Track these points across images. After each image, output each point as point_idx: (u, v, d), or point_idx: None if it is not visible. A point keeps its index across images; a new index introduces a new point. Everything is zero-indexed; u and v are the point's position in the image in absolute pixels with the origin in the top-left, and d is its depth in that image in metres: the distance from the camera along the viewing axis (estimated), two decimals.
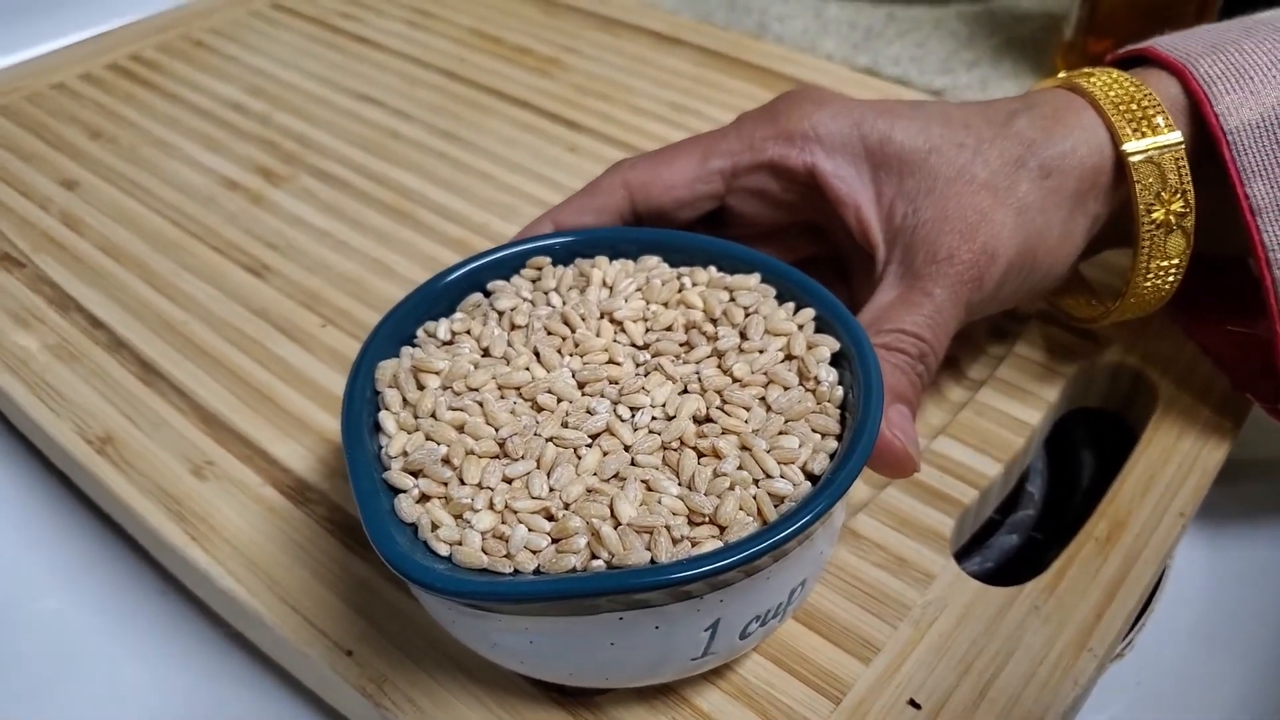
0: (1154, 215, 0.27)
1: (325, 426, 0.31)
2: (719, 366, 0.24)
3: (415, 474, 0.22)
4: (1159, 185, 0.27)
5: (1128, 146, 0.26)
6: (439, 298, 0.26)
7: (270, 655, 0.28)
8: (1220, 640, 0.30)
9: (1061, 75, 0.30)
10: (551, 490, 0.21)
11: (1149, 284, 0.28)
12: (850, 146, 0.28)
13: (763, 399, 0.23)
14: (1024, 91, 0.30)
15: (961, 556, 0.30)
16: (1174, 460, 0.30)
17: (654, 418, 0.23)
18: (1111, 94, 0.27)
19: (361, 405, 0.23)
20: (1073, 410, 0.34)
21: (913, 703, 0.24)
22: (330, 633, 0.26)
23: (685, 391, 0.24)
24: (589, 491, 0.21)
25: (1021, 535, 0.31)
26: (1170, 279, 0.28)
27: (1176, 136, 0.26)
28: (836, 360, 0.24)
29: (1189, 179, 0.27)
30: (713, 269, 0.27)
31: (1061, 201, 0.27)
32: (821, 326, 0.25)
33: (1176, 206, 0.27)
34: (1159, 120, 0.27)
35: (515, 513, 0.21)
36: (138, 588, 0.32)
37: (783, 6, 0.58)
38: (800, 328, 0.25)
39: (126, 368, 0.34)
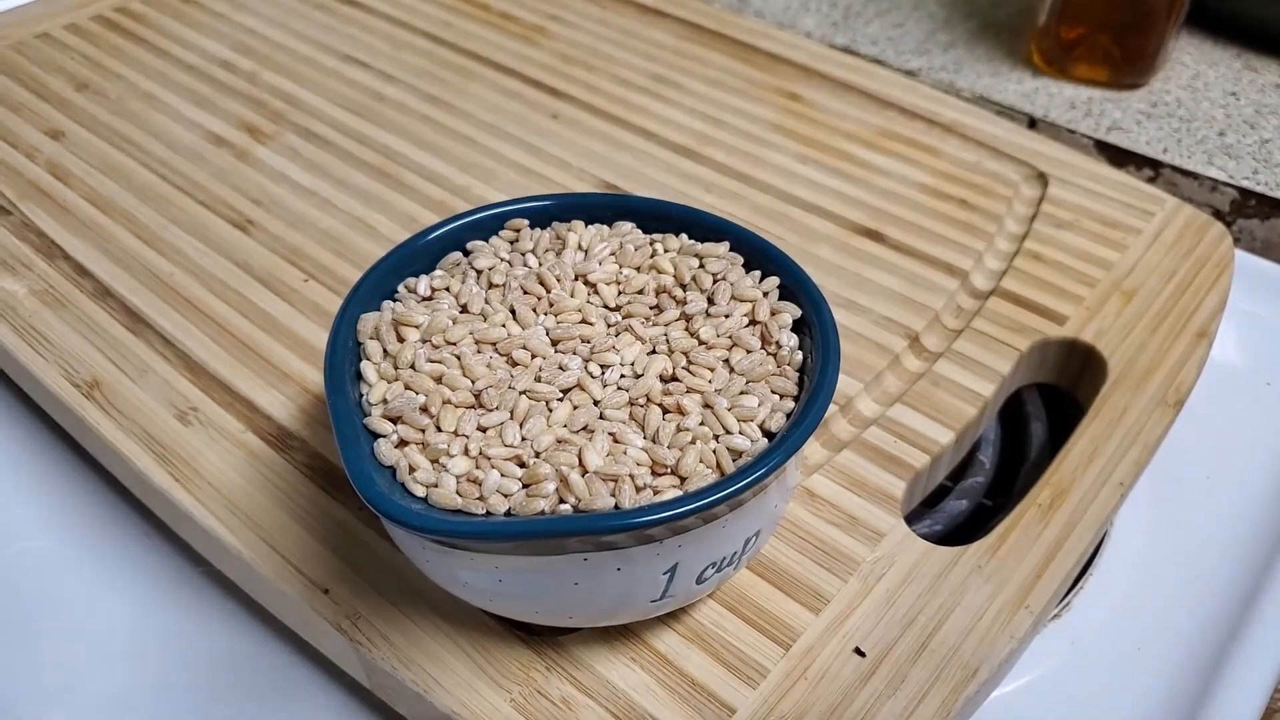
0: None
1: (306, 377, 0.32)
2: (686, 329, 0.25)
3: (394, 420, 0.23)
4: None
5: None
6: (420, 255, 0.27)
7: (249, 594, 0.30)
8: (1155, 604, 0.32)
9: None
10: (523, 439, 0.23)
11: None
12: None
13: (726, 361, 0.25)
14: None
15: (913, 519, 0.32)
16: (1117, 434, 0.31)
17: (623, 375, 0.24)
18: None
19: (344, 355, 0.24)
20: (1027, 385, 0.36)
21: (858, 651, 0.26)
22: (308, 572, 0.27)
23: (654, 352, 0.25)
24: (559, 442, 0.23)
25: (971, 501, 0.33)
26: None
27: None
28: (798, 327, 0.26)
29: None
30: (684, 236, 0.28)
31: None
32: (785, 294, 0.26)
33: None
34: None
35: (489, 459, 0.22)
36: (120, 529, 0.33)
37: None
38: (765, 295, 0.26)
39: (113, 316, 0.34)
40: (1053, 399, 0.36)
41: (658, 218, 0.29)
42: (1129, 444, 0.31)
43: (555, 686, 0.25)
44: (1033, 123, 0.47)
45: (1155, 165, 0.44)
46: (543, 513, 0.21)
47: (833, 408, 0.32)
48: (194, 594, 0.31)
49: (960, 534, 0.32)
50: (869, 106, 0.45)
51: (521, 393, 0.24)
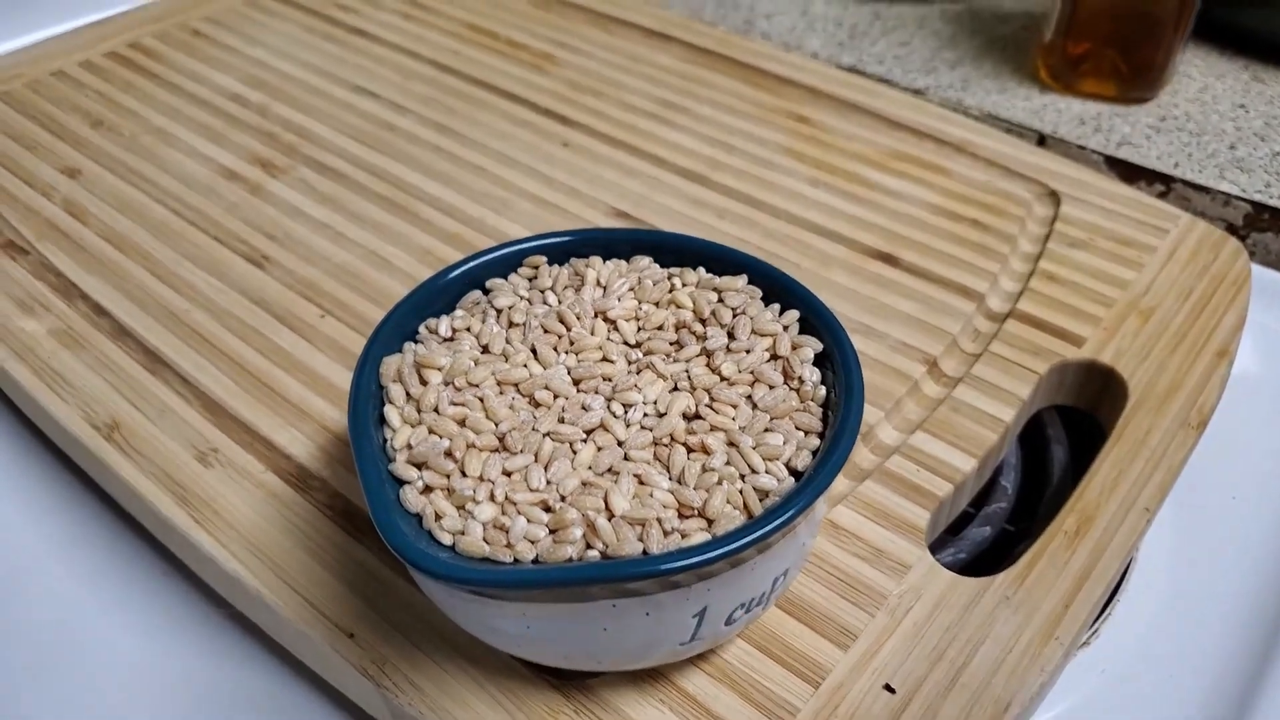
0: None
1: (325, 415, 0.32)
2: (708, 365, 0.25)
3: (419, 466, 0.23)
4: None
5: None
6: (439, 295, 0.27)
7: (272, 636, 0.29)
8: (1184, 629, 0.32)
9: None
10: (549, 483, 0.23)
11: None
12: None
13: (749, 397, 0.25)
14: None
15: (936, 548, 0.31)
16: (1141, 457, 0.31)
17: (646, 414, 0.24)
18: None
19: (367, 399, 0.24)
20: (1046, 407, 0.36)
21: (888, 687, 0.25)
22: (331, 615, 0.27)
23: (675, 389, 0.25)
24: (584, 485, 0.23)
25: (994, 527, 0.33)
26: None
27: None
28: (820, 360, 0.26)
29: None
30: (702, 270, 0.28)
31: None
32: (805, 328, 0.26)
33: None
34: None
35: (515, 504, 0.22)
36: (141, 569, 0.33)
37: (770, 3, 0.59)
38: (785, 328, 0.26)
39: (131, 355, 0.34)
40: (1073, 420, 0.36)
41: (675, 251, 0.29)
42: (1153, 468, 0.31)
43: None
44: (1042, 139, 0.47)
45: (1167, 180, 0.44)
46: (570, 559, 0.21)
47: None
48: (216, 635, 0.31)
49: (985, 561, 0.32)
50: (878, 127, 0.45)
51: (545, 435, 0.23)
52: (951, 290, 0.37)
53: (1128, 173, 0.45)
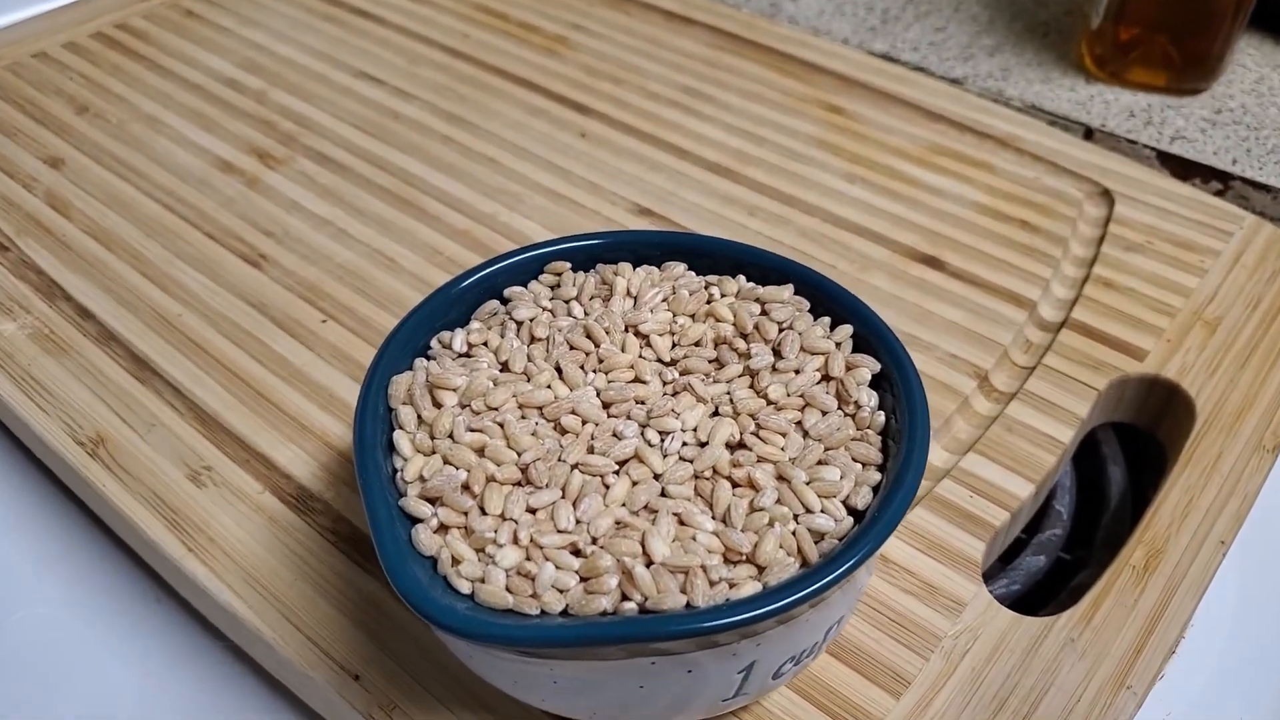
0: None
1: (327, 430, 0.30)
2: (752, 387, 0.23)
3: (433, 501, 0.21)
4: None
5: None
6: (453, 304, 0.25)
7: (272, 673, 0.27)
8: (1255, 666, 0.29)
9: None
10: (579, 522, 0.20)
11: None
12: None
13: (799, 424, 0.22)
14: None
15: (987, 578, 0.29)
16: (1213, 484, 0.29)
17: (685, 443, 0.22)
18: None
19: (375, 424, 0.22)
20: (1101, 424, 0.33)
21: None
22: (336, 654, 0.25)
23: (717, 414, 0.22)
24: (618, 524, 0.20)
25: (1049, 556, 0.30)
26: None
27: None
28: (876, 382, 0.23)
29: None
30: (742, 278, 0.26)
31: None
32: (859, 345, 0.24)
33: None
34: None
35: (541, 548, 0.20)
36: (131, 594, 0.30)
37: None
38: (838, 345, 0.23)
39: (118, 362, 0.32)
40: (1127, 437, 0.34)
41: (711, 256, 0.26)
42: (1226, 496, 0.28)
43: None
44: (1089, 133, 0.44)
45: (1224, 177, 0.41)
46: (605, 613, 0.19)
47: None
48: (212, 668, 0.29)
49: (1040, 593, 0.30)
50: (916, 119, 0.43)
51: (574, 466, 0.21)
52: (1001, 297, 0.34)
53: (1182, 169, 0.42)
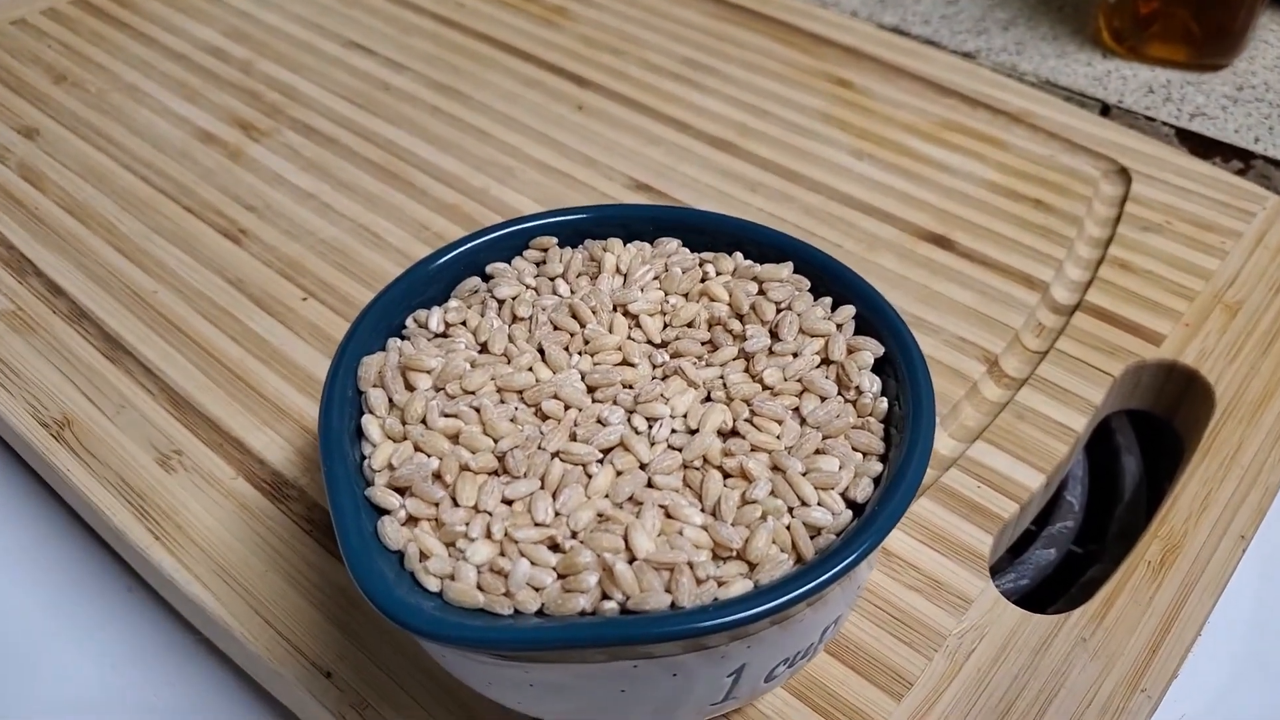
0: None
1: (304, 413, 0.29)
2: (747, 371, 0.21)
3: (402, 491, 0.19)
4: None
5: None
6: (431, 281, 0.24)
7: (242, 667, 0.26)
8: (1272, 665, 0.28)
9: None
10: (557, 515, 0.19)
11: None
12: None
13: (796, 410, 0.21)
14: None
15: (995, 572, 0.28)
16: (1233, 476, 0.27)
17: (674, 430, 0.20)
18: None
19: (342, 408, 0.20)
20: (1115, 411, 0.32)
21: None
22: (307, 650, 0.23)
23: (709, 399, 0.21)
24: (600, 518, 0.19)
25: (1060, 549, 0.29)
26: None
27: None
28: (879, 367, 0.22)
29: None
30: (739, 255, 0.24)
31: None
32: (862, 327, 0.22)
33: None
34: None
35: (516, 543, 0.18)
36: (102, 583, 0.29)
37: None
38: (839, 327, 0.22)
39: (89, 341, 0.31)
40: (1142, 424, 0.32)
41: (706, 232, 0.25)
42: (1247, 488, 0.27)
43: None
44: (1106, 109, 0.42)
45: (1246, 156, 0.40)
46: (583, 613, 0.18)
47: None
48: (182, 661, 0.27)
49: (1049, 588, 0.28)
50: (926, 94, 0.41)
51: (554, 455, 0.20)
52: (1013, 279, 0.33)
53: (1202, 147, 0.40)
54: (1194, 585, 0.25)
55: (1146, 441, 0.32)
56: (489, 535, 0.18)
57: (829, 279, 0.23)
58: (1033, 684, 0.23)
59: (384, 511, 0.19)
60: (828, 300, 0.23)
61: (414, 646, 0.23)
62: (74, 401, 0.29)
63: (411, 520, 0.19)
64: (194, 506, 0.26)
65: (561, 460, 0.20)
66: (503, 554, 0.18)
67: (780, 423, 0.20)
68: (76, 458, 0.27)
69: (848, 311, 0.22)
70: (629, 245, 0.24)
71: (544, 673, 0.18)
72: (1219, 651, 0.28)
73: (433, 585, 0.18)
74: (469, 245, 0.24)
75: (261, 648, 0.24)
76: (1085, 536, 0.29)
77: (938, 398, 0.29)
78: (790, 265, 0.23)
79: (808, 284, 0.23)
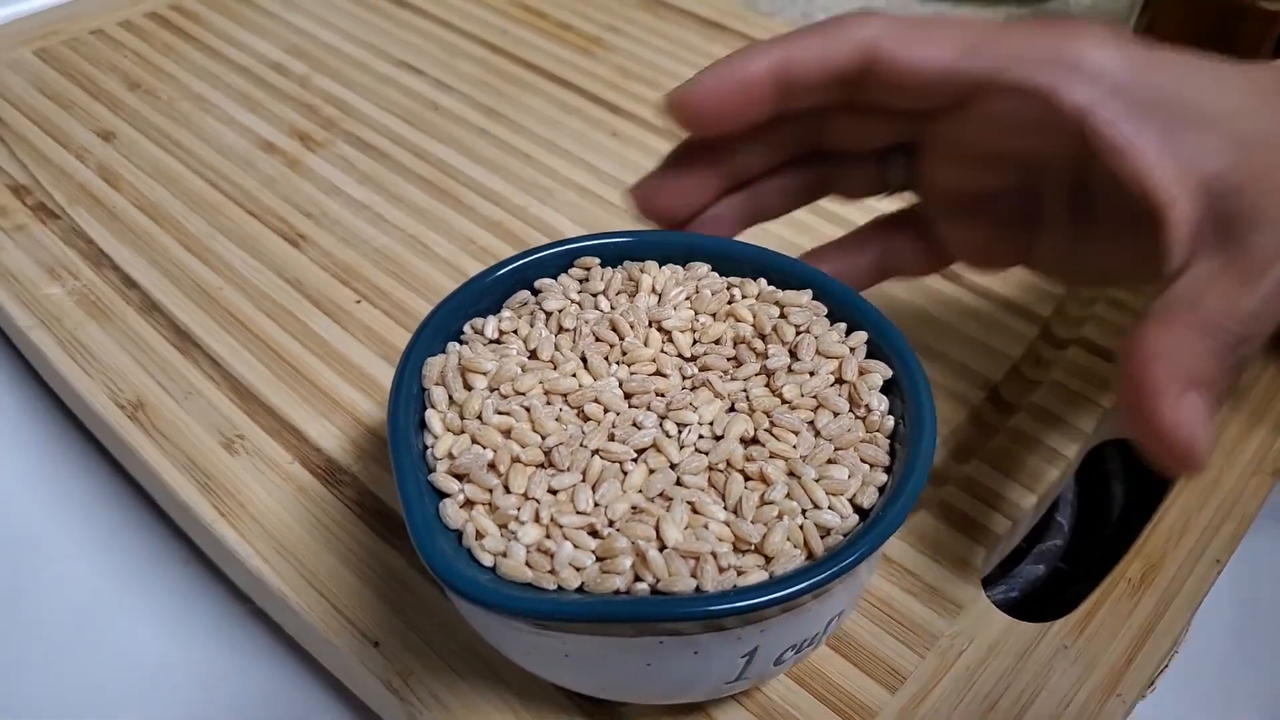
0: None
1: (357, 406, 0.31)
2: (768, 386, 0.24)
3: (460, 478, 0.22)
4: None
5: None
6: (486, 293, 0.26)
7: (294, 637, 0.28)
8: (1245, 683, 0.30)
9: None
10: (597, 505, 0.21)
11: None
12: (1141, 95, 0.23)
13: (811, 423, 0.23)
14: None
15: (986, 584, 0.30)
16: (1210, 505, 0.30)
17: (701, 436, 0.23)
18: None
19: (408, 404, 0.23)
20: (1107, 442, 0.34)
21: None
22: (357, 622, 0.26)
23: (733, 410, 0.23)
24: (634, 510, 0.21)
25: (1048, 565, 0.31)
26: None
27: None
28: (887, 388, 0.24)
29: None
30: (763, 281, 0.27)
31: None
32: (873, 351, 0.25)
33: None
34: None
35: (560, 527, 0.21)
36: (161, 556, 0.32)
37: None
38: (852, 350, 0.24)
39: (160, 332, 0.33)
40: (1133, 455, 0.34)
41: (734, 259, 0.27)
42: (1223, 517, 0.29)
43: None
44: None
45: None
46: (618, 592, 0.20)
47: None
48: (236, 631, 0.30)
49: (1037, 601, 0.30)
50: None
51: (594, 452, 0.22)
52: (1013, 312, 0.35)
53: None
54: (1170, 602, 0.27)
55: (1135, 470, 0.34)
56: (537, 519, 0.21)
57: (844, 307, 0.26)
58: (1016, 684, 0.25)
59: (444, 495, 0.22)
60: (843, 325, 0.25)
61: (457, 623, 0.26)
62: (146, 386, 0.31)
63: (469, 504, 0.21)
64: (255, 487, 0.29)
65: (601, 457, 0.22)
66: (549, 537, 0.21)
67: (797, 434, 0.23)
68: (149, 437, 0.30)
69: (860, 336, 0.25)
70: (664, 268, 0.27)
71: (579, 645, 0.21)
72: (1197, 665, 0.30)
73: (487, 560, 0.20)
74: (521, 262, 0.26)
75: (316, 618, 0.26)
76: (1073, 555, 0.32)
77: (940, 419, 0.31)
78: (810, 292, 0.26)
79: (825, 310, 0.26)
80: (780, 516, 0.21)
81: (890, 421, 0.23)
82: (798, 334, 0.25)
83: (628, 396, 0.24)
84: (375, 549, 0.27)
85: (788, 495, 0.21)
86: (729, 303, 0.26)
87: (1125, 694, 0.25)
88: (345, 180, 0.40)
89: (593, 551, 0.20)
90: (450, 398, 0.23)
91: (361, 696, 0.27)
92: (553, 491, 0.21)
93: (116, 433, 0.30)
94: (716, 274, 0.27)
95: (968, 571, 0.28)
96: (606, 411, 0.23)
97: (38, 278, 0.35)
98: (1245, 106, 0.23)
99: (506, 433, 0.22)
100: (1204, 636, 0.31)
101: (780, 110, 0.26)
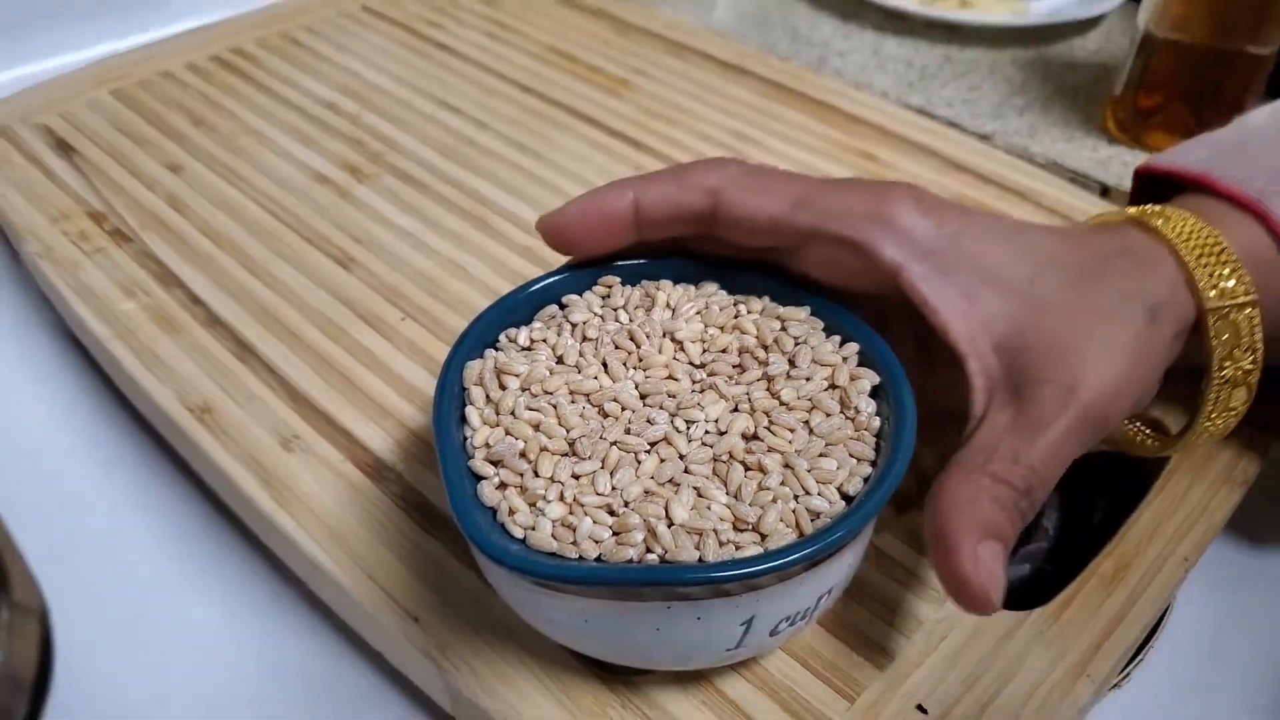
0: (1224, 373, 0.28)
1: (402, 412, 0.34)
2: (768, 390, 0.27)
3: (496, 464, 0.25)
4: (1233, 343, 0.27)
5: (1209, 304, 0.27)
6: (520, 307, 0.29)
7: (341, 617, 0.31)
8: (1217, 677, 0.33)
9: (1130, 211, 0.30)
10: (614, 489, 0.24)
11: (1208, 429, 0.29)
12: (946, 257, 0.26)
13: (806, 422, 0.26)
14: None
15: None
16: (1182, 510, 0.32)
17: (707, 431, 0.26)
18: (1191, 245, 0.27)
19: (451, 399, 0.26)
20: (1091, 455, 0.37)
21: (920, 708, 0.27)
22: (400, 600, 0.29)
23: (736, 410, 0.26)
24: (646, 493, 0.24)
25: (1033, 565, 0.34)
26: (1229, 423, 0.29)
27: (1252, 298, 0.27)
28: (875, 393, 0.27)
29: (1259, 337, 0.27)
30: (767, 299, 0.30)
31: (1162, 345, 0.27)
32: (863, 361, 0.28)
33: (1245, 364, 0.27)
34: (1235, 280, 0.27)
35: (582, 506, 0.24)
36: (220, 547, 0.35)
37: (843, 41, 0.61)
38: (844, 360, 0.27)
39: (223, 344, 0.37)
40: (1116, 468, 0.37)
41: (742, 280, 0.30)
42: (1192, 522, 0.32)
43: None
44: (1105, 190, 0.48)
45: None
46: (631, 561, 0.23)
47: None
48: (288, 611, 0.33)
49: (1023, 597, 0.33)
50: (943, 169, 0.47)
51: (612, 443, 0.25)
52: None
53: None
54: (1139, 596, 0.30)
55: (1117, 484, 0.37)
56: (561, 499, 0.24)
57: (839, 322, 0.29)
58: (995, 665, 0.28)
59: (481, 478, 0.25)
60: (837, 338, 0.28)
61: (487, 600, 0.29)
62: (212, 392, 0.35)
63: (502, 485, 0.24)
64: (309, 482, 0.32)
65: (618, 448, 0.25)
66: (571, 514, 0.24)
67: (793, 431, 0.26)
68: (214, 437, 0.33)
69: (852, 348, 0.28)
70: (677, 285, 0.30)
71: (597, 609, 0.24)
72: (1171, 661, 0.33)
73: (518, 533, 0.23)
74: (549, 280, 0.30)
75: (364, 596, 0.29)
76: (1056, 556, 0.34)
77: (926, 429, 0.34)
78: (808, 309, 0.29)
79: (821, 324, 0.29)
80: (775, 500, 0.24)
81: (877, 422, 0.26)
82: (796, 344, 0.28)
83: (643, 397, 0.27)
84: (416, 538, 0.31)
85: (782, 483, 0.24)
86: (735, 317, 0.29)
87: (1094, 674, 0.27)
88: (390, 209, 0.44)
89: (609, 527, 0.23)
90: (487, 396, 0.26)
91: (400, 667, 0.30)
92: (575, 476, 0.24)
93: (186, 433, 0.34)
94: (725, 292, 0.30)
95: None
96: (624, 409, 0.26)
97: (114, 295, 0.39)
98: (1036, 274, 0.26)
99: (536, 426, 0.26)
100: (1183, 633, 0.34)
101: (641, 239, 0.29)
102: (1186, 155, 0.31)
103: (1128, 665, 0.32)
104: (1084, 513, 0.36)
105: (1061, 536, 0.35)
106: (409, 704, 0.31)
